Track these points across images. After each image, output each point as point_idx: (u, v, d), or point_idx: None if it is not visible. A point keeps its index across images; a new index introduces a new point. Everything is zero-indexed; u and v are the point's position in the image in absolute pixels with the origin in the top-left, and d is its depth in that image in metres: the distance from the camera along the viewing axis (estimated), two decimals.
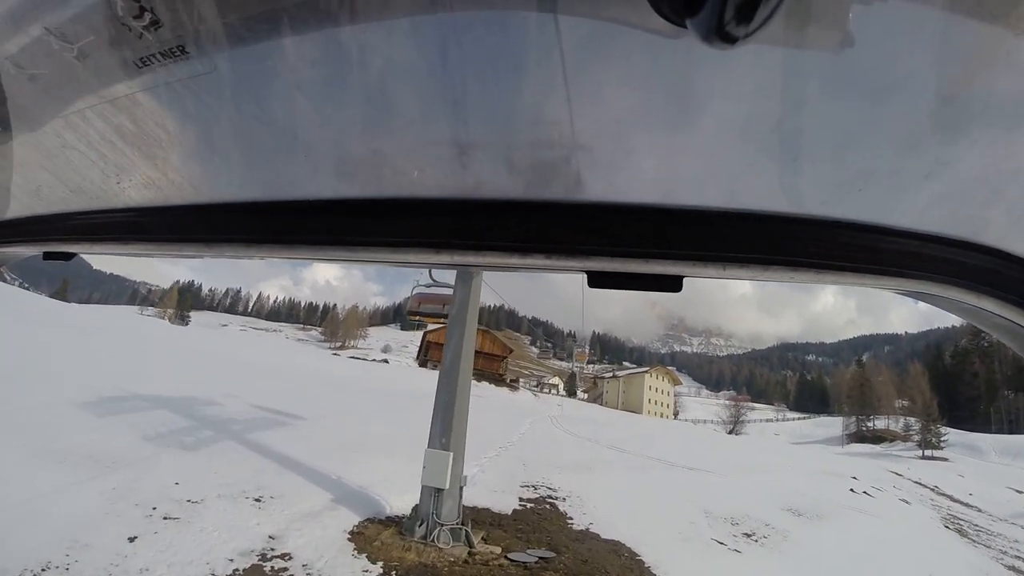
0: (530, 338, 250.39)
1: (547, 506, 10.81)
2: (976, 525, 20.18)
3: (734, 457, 26.39)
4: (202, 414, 12.57)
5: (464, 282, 9.44)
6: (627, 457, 19.92)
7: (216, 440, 10.61)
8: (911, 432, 63.48)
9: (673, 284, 0.86)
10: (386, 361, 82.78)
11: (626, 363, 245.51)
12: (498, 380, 58.91)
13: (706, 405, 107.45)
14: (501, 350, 64.46)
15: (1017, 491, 31.70)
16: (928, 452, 52.29)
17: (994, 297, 0.83)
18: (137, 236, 1.16)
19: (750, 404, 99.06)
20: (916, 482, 30.64)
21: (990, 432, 62.10)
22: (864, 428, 70.94)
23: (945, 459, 49.41)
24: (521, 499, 10.97)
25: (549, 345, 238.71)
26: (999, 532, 19.50)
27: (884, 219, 0.78)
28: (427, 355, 65.72)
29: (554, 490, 12.21)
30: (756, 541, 11.00)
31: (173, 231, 1.11)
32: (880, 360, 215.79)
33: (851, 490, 20.67)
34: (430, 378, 43.85)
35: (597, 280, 0.88)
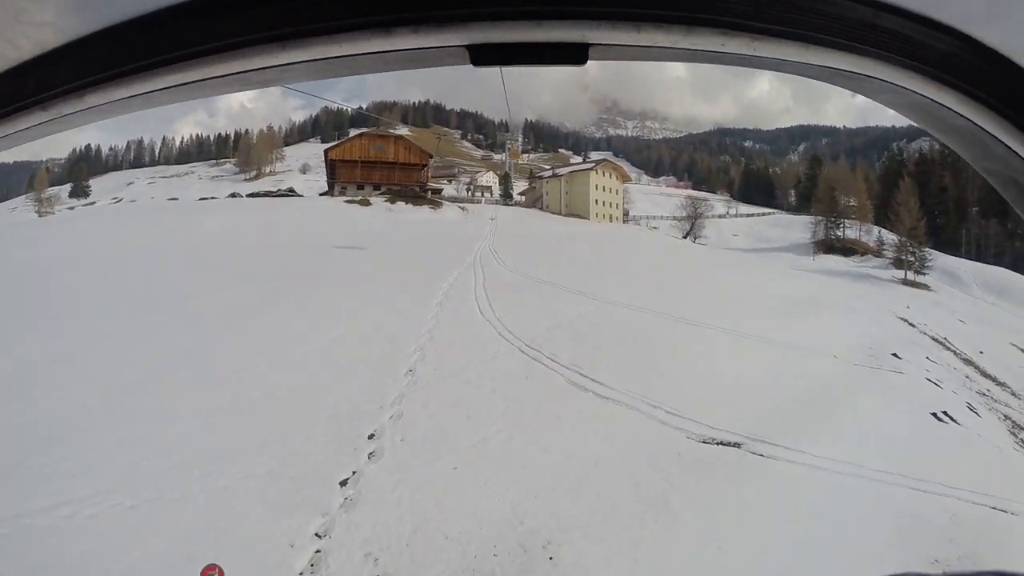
0: (460, 132, 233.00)
1: None
2: None
3: (746, 293, 19.71)
4: None
5: None
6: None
7: None
8: (884, 247, 58.51)
9: (577, 55, 0.67)
10: (292, 191, 70.78)
11: (562, 150, 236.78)
12: (417, 196, 49.10)
13: (651, 195, 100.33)
14: (419, 158, 53.47)
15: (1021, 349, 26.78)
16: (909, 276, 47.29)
17: (955, 90, 0.72)
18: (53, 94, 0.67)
19: (695, 194, 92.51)
20: (935, 339, 24.54)
21: (958, 256, 57.47)
22: (832, 236, 64.83)
23: (927, 287, 44.87)
24: None
25: (481, 137, 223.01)
26: None
27: None
28: (334, 176, 54.17)
29: None
30: None
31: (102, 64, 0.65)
32: (819, 152, 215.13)
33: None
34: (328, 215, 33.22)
35: (481, 55, 0.67)
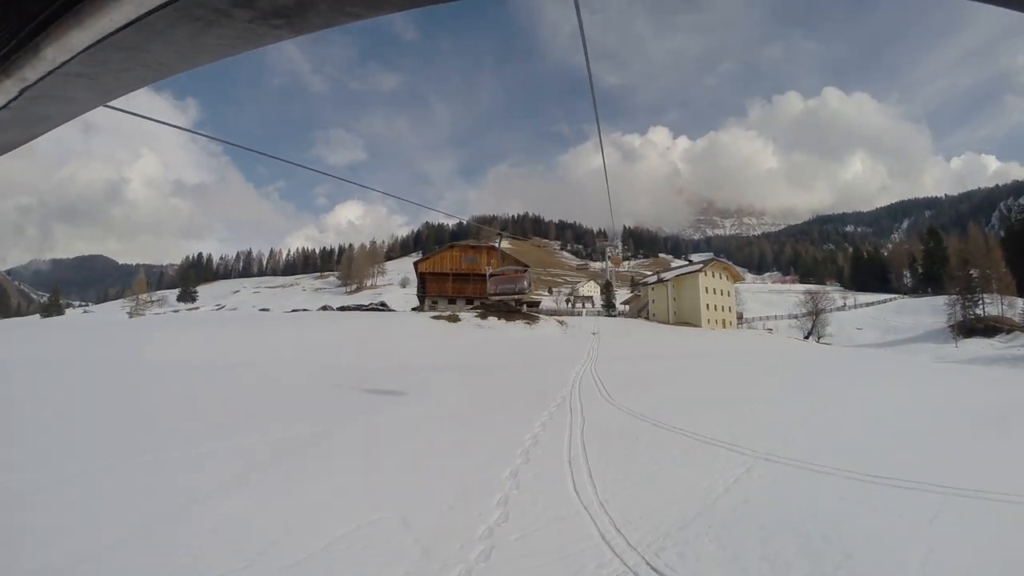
0: (559, 242, 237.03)
1: None
2: None
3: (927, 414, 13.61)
4: None
5: None
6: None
7: None
8: None
9: None
10: (383, 305, 70.64)
11: (661, 255, 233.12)
12: (512, 310, 45.95)
13: (759, 294, 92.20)
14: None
15: None
16: None
17: None
18: None
19: (812, 288, 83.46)
20: None
21: None
22: (971, 315, 54.72)
23: None
24: None
25: (580, 247, 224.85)
26: None
27: None
28: (424, 290, 52.78)
29: None
30: None
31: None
32: (923, 226, 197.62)
33: None
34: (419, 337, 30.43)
35: None
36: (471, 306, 47.92)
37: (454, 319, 41.80)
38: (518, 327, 40.56)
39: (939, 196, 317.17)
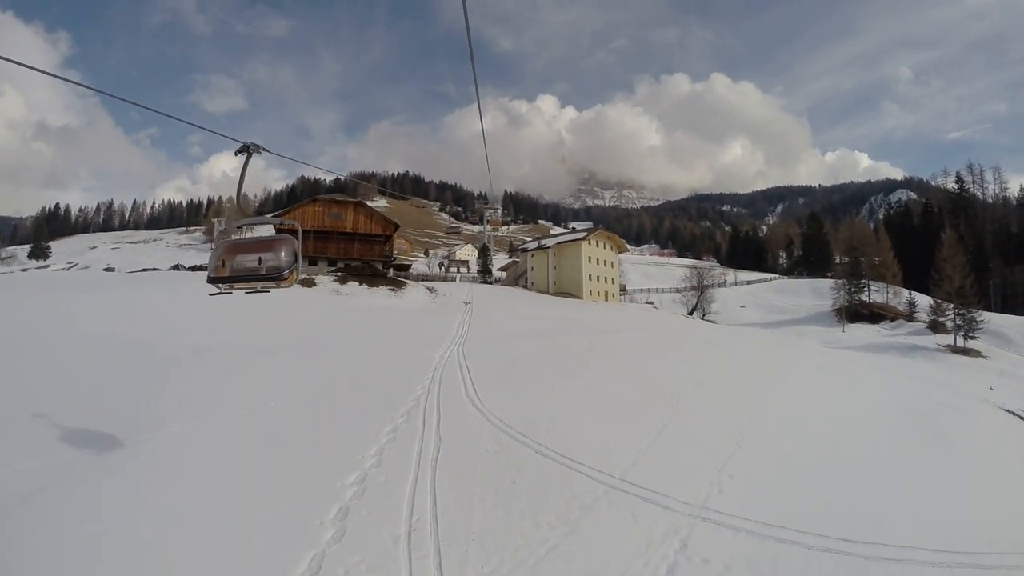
0: (439, 204, 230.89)
1: None
2: None
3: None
4: None
5: None
6: None
7: None
8: (916, 310, 51.84)
9: None
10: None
11: (542, 221, 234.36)
12: (376, 274, 40.94)
13: (638, 265, 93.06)
14: (383, 228, 45.57)
15: None
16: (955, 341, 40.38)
17: None
18: None
19: (700, 263, 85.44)
20: None
21: (989, 311, 50.17)
22: (856, 301, 56.56)
23: (979, 353, 38.01)
24: None
25: (459, 209, 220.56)
26: None
27: None
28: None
29: None
30: None
31: None
32: (795, 213, 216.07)
33: None
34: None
35: None
36: (332, 268, 42.18)
37: (308, 283, 36.10)
38: (381, 294, 35.72)
39: (813, 185, 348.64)
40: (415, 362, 15.63)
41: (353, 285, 36.17)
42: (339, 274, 38.76)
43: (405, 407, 10.40)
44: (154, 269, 75.58)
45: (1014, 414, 19.91)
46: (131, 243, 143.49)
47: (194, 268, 65.11)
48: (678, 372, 16.25)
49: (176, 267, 74.82)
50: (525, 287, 49.50)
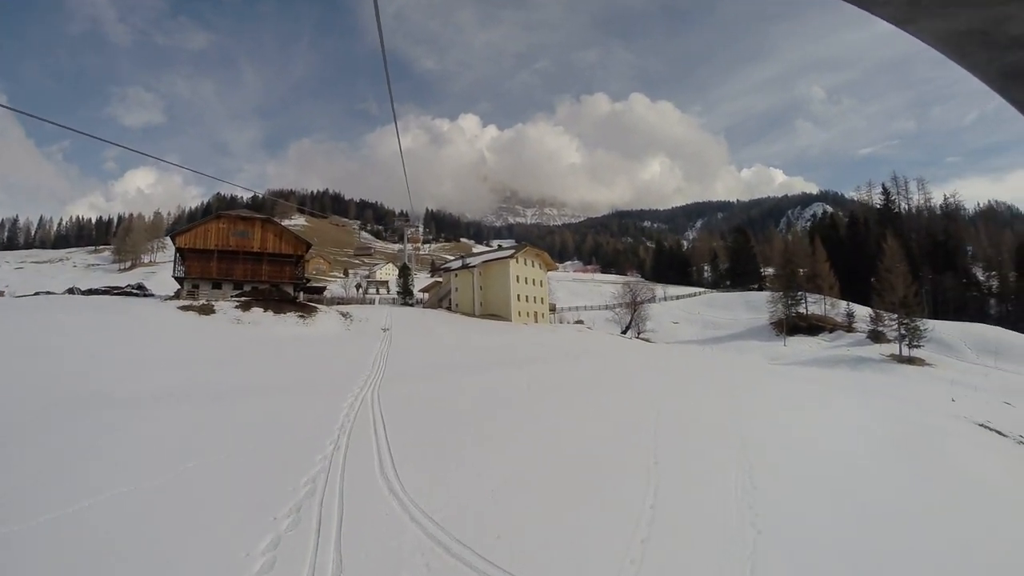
0: (359, 222, 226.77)
1: None
2: None
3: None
4: None
5: None
6: None
7: None
8: (854, 320, 53.42)
9: None
10: (141, 288, 56.41)
11: (464, 239, 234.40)
12: (283, 299, 37.99)
13: (563, 282, 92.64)
14: (293, 247, 42.63)
15: None
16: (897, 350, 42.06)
17: None
18: None
19: (631, 279, 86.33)
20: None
21: (923, 318, 54.01)
22: (793, 314, 57.06)
23: (924, 361, 39.69)
24: None
25: (380, 228, 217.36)
26: None
27: None
28: (186, 271, 41.73)
29: None
30: None
31: None
32: (715, 227, 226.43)
33: None
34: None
35: None
36: (237, 292, 38.79)
37: (207, 310, 32.81)
38: (288, 322, 32.93)
39: (731, 200, 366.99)
40: (318, 416, 12.75)
41: (257, 312, 33.21)
42: (242, 299, 35.52)
43: (296, 498, 7.79)
44: (48, 292, 67.74)
45: (989, 428, 20.06)
46: (36, 263, 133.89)
47: (90, 292, 58.65)
48: (643, 417, 14.26)
49: (71, 290, 67.42)
50: (449, 309, 47.68)
